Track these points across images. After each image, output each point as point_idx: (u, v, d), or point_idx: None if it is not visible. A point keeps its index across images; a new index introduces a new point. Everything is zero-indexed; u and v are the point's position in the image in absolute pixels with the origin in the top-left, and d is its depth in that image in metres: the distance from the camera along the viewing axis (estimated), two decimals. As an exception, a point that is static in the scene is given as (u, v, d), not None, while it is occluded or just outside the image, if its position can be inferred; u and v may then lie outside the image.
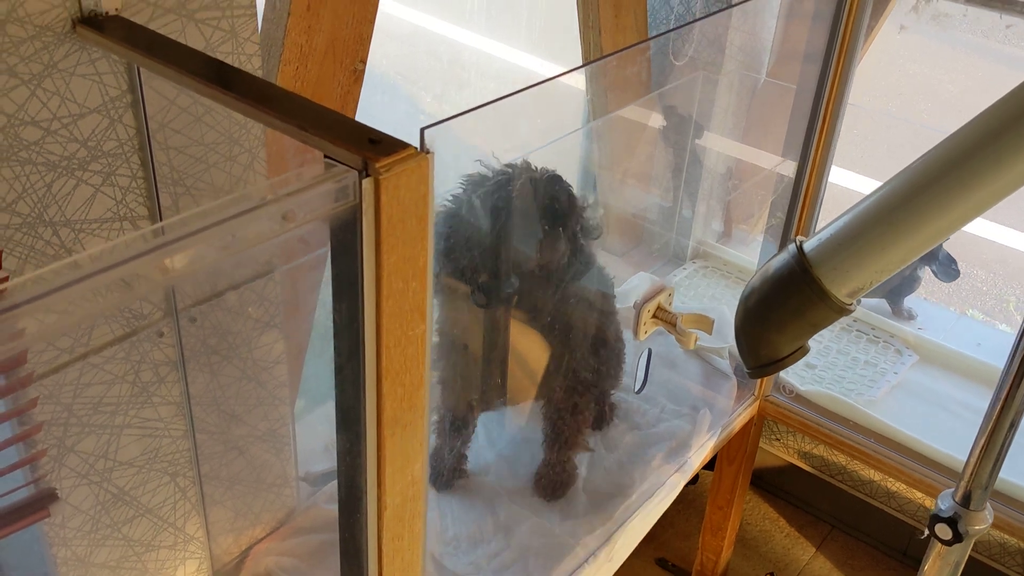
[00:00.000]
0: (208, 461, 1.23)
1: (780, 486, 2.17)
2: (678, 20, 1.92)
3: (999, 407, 1.13)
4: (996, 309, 3.18)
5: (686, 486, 1.60)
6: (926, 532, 1.22)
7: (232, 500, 1.30)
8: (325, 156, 0.69)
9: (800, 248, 0.99)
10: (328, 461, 1.48)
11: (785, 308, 1.01)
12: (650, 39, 1.88)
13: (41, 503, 0.99)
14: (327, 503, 1.42)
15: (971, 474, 1.17)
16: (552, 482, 1.46)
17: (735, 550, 2.03)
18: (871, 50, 1.83)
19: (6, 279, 0.90)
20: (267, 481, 1.34)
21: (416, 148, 0.71)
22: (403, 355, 0.76)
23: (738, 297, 1.08)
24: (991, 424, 1.14)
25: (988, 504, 1.20)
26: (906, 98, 4.04)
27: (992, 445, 1.15)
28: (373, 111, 1.37)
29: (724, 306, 1.86)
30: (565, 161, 1.66)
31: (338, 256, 0.72)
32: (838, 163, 1.61)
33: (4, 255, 0.91)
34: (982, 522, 1.19)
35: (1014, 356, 1.09)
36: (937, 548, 1.22)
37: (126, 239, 0.83)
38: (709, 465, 1.83)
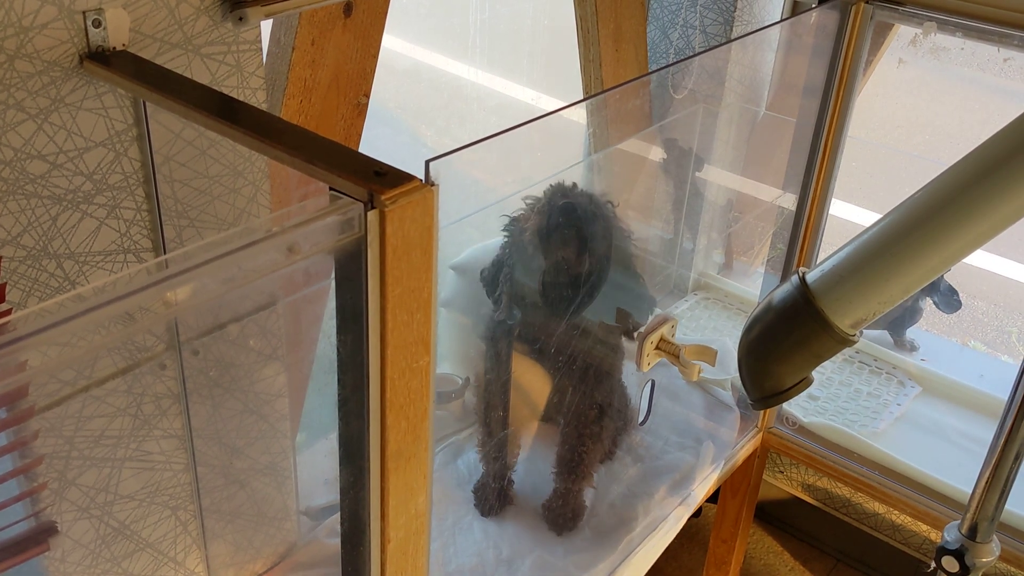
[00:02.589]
0: (209, 495, 1.22)
1: (784, 519, 2.15)
2: (677, 53, 1.93)
3: (1004, 438, 1.12)
4: (998, 340, 3.18)
5: (689, 519, 1.59)
6: (932, 565, 1.21)
7: (233, 534, 1.29)
8: (331, 188, 0.70)
9: (803, 279, 0.99)
10: (329, 495, 1.47)
11: (789, 339, 1.01)
12: (651, 73, 1.89)
13: (41, 537, 0.98)
14: (328, 537, 1.40)
15: (977, 506, 1.16)
16: (562, 515, 1.46)
17: (739, 584, 2.01)
18: (869, 83, 1.85)
19: (9, 312, 0.90)
20: (268, 515, 1.33)
21: (421, 180, 0.71)
22: (407, 387, 0.76)
23: (739, 328, 1.08)
24: (996, 455, 1.13)
25: (995, 536, 1.19)
26: (904, 130, 4.06)
27: (998, 477, 1.14)
28: (375, 144, 1.38)
29: (726, 338, 1.86)
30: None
31: (343, 288, 0.72)
32: (837, 195, 1.61)
33: (8, 288, 0.91)
34: (989, 554, 1.18)
35: (1018, 387, 1.09)
36: (944, 581, 1.21)
37: (132, 271, 0.84)
38: (712, 498, 1.81)
